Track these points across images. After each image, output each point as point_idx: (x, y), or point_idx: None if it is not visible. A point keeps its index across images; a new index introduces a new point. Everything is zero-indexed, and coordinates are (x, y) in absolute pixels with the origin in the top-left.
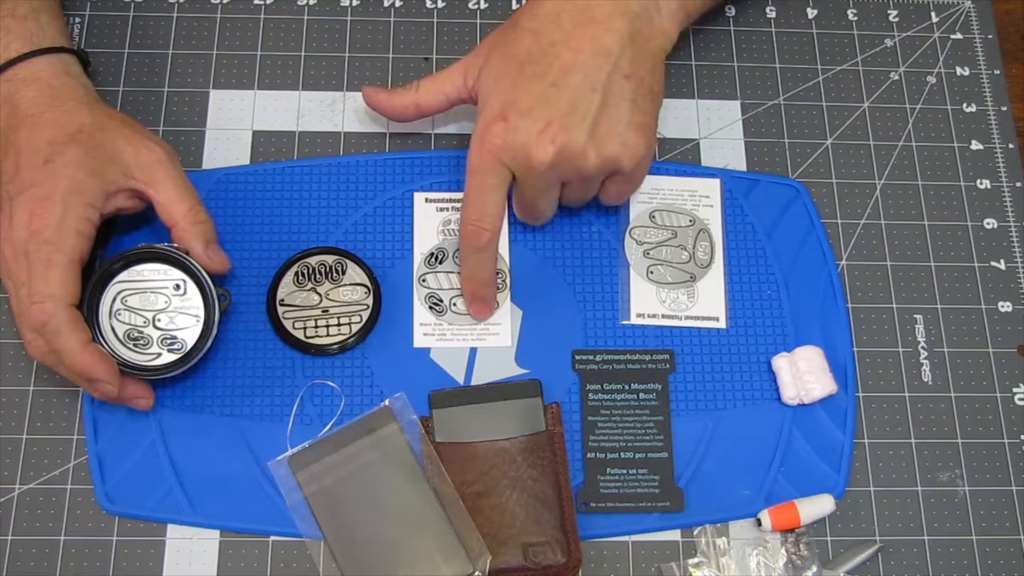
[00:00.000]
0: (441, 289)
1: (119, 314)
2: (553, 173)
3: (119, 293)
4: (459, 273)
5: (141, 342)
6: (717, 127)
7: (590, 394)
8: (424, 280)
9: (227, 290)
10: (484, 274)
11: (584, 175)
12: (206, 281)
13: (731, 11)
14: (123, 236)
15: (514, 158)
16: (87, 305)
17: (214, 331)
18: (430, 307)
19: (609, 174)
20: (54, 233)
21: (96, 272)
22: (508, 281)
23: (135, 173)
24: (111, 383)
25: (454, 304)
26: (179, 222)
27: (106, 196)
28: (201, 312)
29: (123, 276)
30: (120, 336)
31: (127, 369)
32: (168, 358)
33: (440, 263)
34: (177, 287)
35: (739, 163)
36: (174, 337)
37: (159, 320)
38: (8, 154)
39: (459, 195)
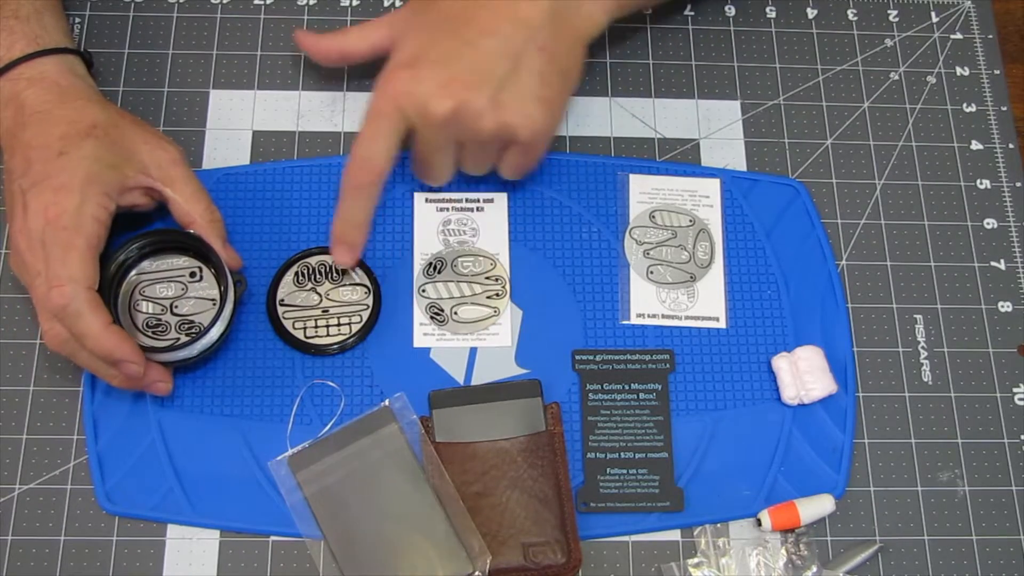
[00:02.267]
0: (441, 299)
1: (137, 304)
2: (448, 130)
3: (136, 286)
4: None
5: (160, 329)
6: (717, 127)
7: (590, 394)
8: (424, 291)
9: (242, 275)
10: (359, 216)
11: (479, 139)
12: (222, 264)
13: (731, 11)
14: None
15: (413, 106)
16: (104, 297)
17: (229, 306)
18: (431, 317)
19: (506, 143)
20: (72, 220)
21: (111, 264)
22: (508, 286)
23: (151, 171)
24: (136, 362)
25: (455, 313)
26: (197, 220)
27: (122, 190)
28: (217, 297)
29: (137, 269)
30: (139, 325)
31: (147, 355)
32: (187, 341)
33: (439, 272)
34: (192, 274)
35: (739, 163)
36: (192, 322)
37: (176, 307)
38: (16, 151)
39: (460, 195)
